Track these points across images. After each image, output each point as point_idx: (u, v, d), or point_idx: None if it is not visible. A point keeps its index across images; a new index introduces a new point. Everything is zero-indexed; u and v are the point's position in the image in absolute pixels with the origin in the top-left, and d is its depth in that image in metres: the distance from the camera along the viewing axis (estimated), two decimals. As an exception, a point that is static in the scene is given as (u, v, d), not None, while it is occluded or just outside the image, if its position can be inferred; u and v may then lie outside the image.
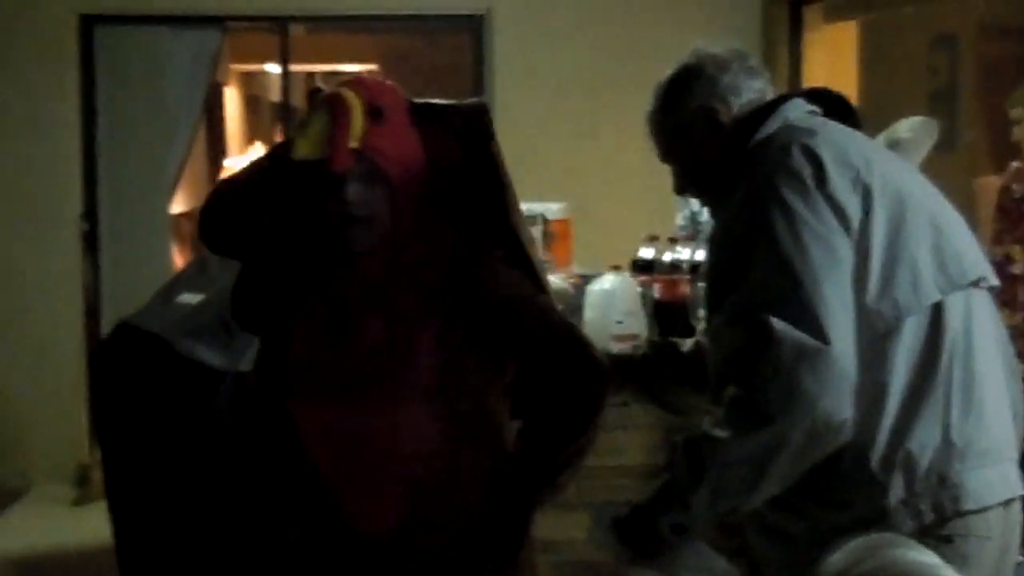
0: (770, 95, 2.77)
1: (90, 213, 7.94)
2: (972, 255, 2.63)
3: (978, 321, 2.57)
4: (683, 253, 4.63)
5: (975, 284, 2.59)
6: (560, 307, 3.22)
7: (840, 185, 2.49)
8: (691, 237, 4.76)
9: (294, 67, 8.83)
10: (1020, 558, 2.69)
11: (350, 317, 2.83)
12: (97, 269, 7.97)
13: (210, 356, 4.10)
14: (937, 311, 2.51)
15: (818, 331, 2.36)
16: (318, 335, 2.84)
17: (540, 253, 4.89)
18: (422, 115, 2.92)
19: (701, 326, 4.21)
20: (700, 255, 4.35)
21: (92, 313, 7.89)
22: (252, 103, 12.41)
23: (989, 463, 2.51)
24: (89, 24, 7.90)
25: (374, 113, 2.79)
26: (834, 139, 2.60)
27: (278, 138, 9.52)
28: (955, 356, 2.51)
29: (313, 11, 8.23)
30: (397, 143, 2.82)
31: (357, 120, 2.76)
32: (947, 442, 2.48)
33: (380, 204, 2.80)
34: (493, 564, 2.93)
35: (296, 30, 8.44)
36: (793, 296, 2.39)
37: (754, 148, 2.65)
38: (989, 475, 2.51)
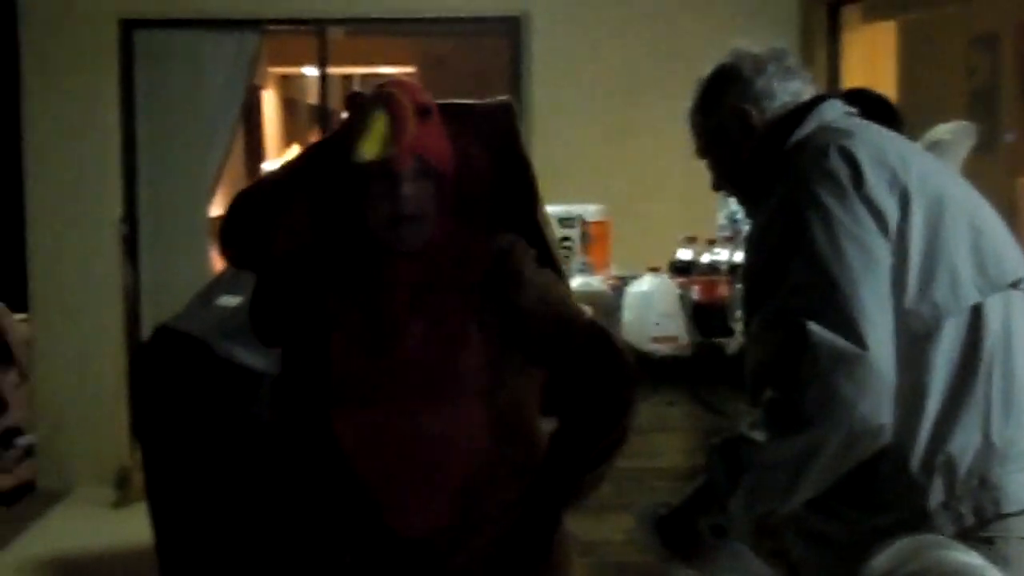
0: (807, 95, 2.75)
1: (130, 216, 7.98)
2: (1012, 256, 2.61)
3: (1018, 322, 2.55)
4: (721, 254, 4.62)
5: (1015, 285, 2.57)
6: (589, 310, 3.23)
7: (877, 187, 2.47)
8: (731, 238, 4.76)
9: (332, 70, 8.86)
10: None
11: (391, 321, 2.83)
12: (137, 272, 8.00)
13: (249, 358, 4.12)
14: (976, 313, 2.49)
15: (855, 336, 2.35)
16: (358, 342, 2.84)
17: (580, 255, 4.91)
18: (449, 115, 2.94)
19: (740, 327, 4.21)
20: (739, 256, 4.34)
21: (132, 316, 7.93)
22: (290, 106, 12.46)
23: (1030, 465, 2.50)
24: (129, 28, 7.94)
25: (423, 112, 2.82)
26: (871, 140, 2.58)
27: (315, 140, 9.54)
28: (995, 358, 2.49)
29: (351, 14, 8.25)
30: (438, 142, 2.85)
31: (411, 120, 2.79)
32: (988, 444, 2.46)
33: (428, 202, 2.82)
34: (528, 564, 2.93)
35: (334, 33, 8.46)
36: (830, 301, 2.38)
37: (790, 150, 2.64)
38: (1030, 477, 2.50)
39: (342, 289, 2.88)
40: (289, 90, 12.37)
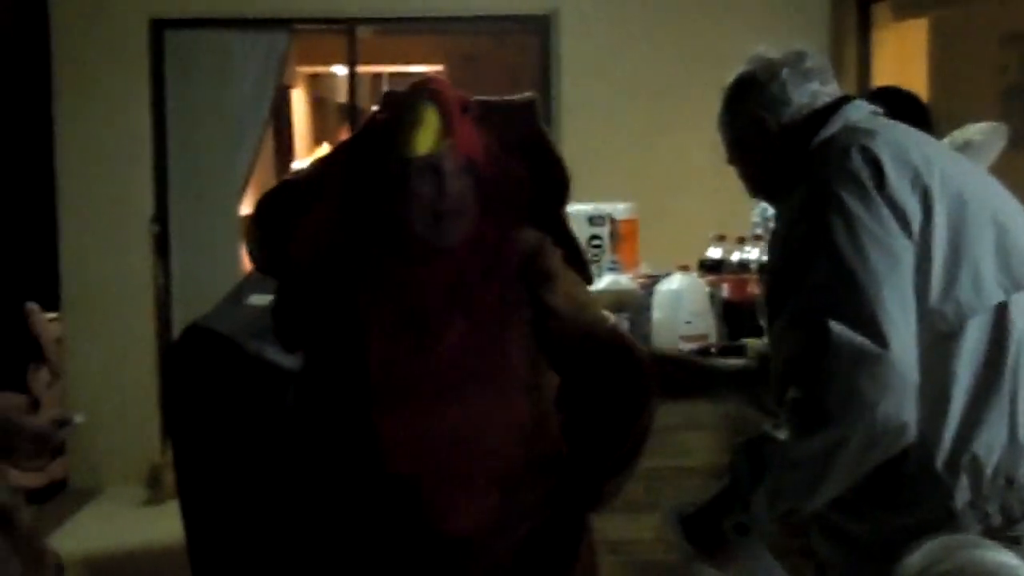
0: (826, 96, 2.75)
1: (161, 216, 8.01)
2: None
3: (1045, 321, 2.54)
4: (751, 253, 4.62)
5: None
6: (612, 318, 3.25)
7: (899, 186, 2.48)
8: (761, 236, 4.75)
9: (361, 69, 8.88)
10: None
11: (430, 318, 2.83)
12: (168, 271, 8.03)
13: (280, 357, 4.12)
14: (1001, 311, 2.49)
15: (877, 335, 2.35)
16: (397, 341, 2.84)
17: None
18: (477, 112, 2.95)
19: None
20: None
21: (163, 315, 7.96)
22: (319, 105, 12.48)
23: (1058, 464, 2.49)
24: (159, 28, 7.98)
25: (464, 108, 2.84)
26: (894, 139, 2.58)
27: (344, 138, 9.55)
28: (1020, 356, 2.49)
29: (380, 13, 8.26)
30: (475, 138, 2.86)
31: (459, 114, 2.81)
32: (1014, 443, 2.46)
33: (468, 198, 2.83)
34: (556, 565, 2.94)
35: (363, 32, 8.47)
36: (852, 300, 2.39)
37: (814, 150, 2.65)
38: (1058, 476, 2.49)
39: (373, 288, 2.88)
40: (318, 89, 12.39)
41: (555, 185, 3.02)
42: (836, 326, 2.35)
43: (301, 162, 10.49)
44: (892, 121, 2.73)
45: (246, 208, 8.30)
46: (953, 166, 2.62)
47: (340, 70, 9.98)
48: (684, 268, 4.59)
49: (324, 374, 2.96)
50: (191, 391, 4.37)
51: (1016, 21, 7.26)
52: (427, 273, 2.84)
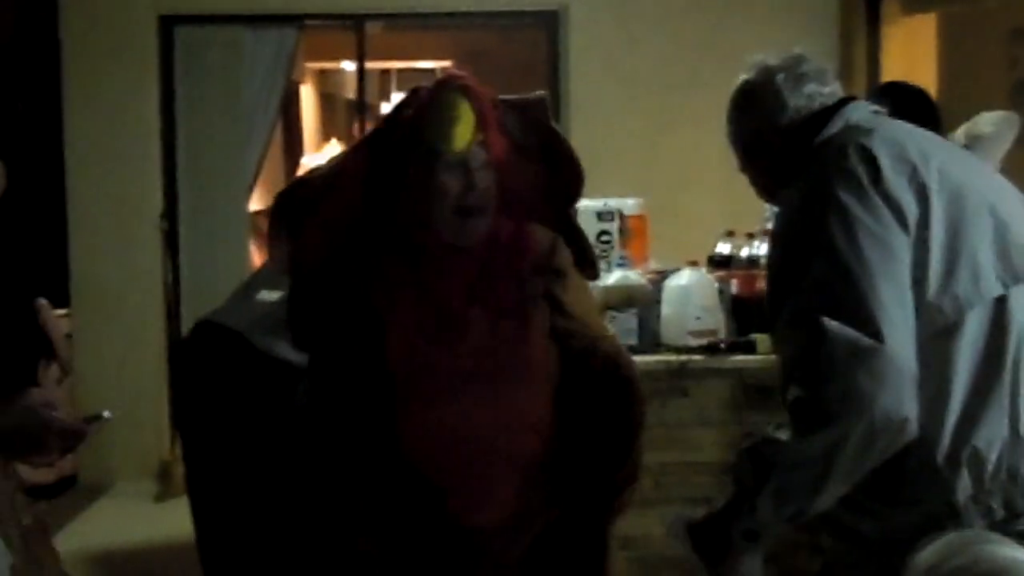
0: (823, 98, 2.76)
1: (170, 212, 8.01)
2: None
3: (1044, 315, 2.54)
4: (760, 248, 4.61)
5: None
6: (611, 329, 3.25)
7: (896, 183, 2.49)
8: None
9: (370, 65, 8.87)
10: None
11: (451, 313, 2.83)
12: (177, 267, 8.04)
13: (289, 352, 4.12)
14: (1001, 305, 2.50)
15: (872, 330, 2.35)
16: (419, 336, 2.84)
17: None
18: (502, 109, 2.95)
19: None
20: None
21: (172, 311, 7.97)
22: (328, 101, 12.49)
23: (1060, 457, 2.49)
24: (168, 25, 7.98)
25: (494, 105, 2.85)
26: (891, 136, 2.59)
27: (355, 135, 9.56)
28: (1020, 350, 2.50)
29: (389, 9, 8.26)
30: (499, 136, 2.87)
31: (490, 111, 2.81)
32: (1016, 437, 2.47)
33: (492, 195, 2.84)
34: (571, 560, 2.94)
35: (372, 28, 8.47)
36: (848, 296, 2.39)
37: (814, 150, 2.66)
38: (1060, 470, 2.49)
39: (392, 284, 2.87)
40: (327, 85, 12.40)
41: (568, 183, 3.02)
42: (831, 323, 2.36)
43: (310, 158, 10.49)
44: (891, 119, 2.74)
45: (255, 204, 8.31)
46: (952, 161, 2.63)
47: (349, 66, 10.00)
48: (693, 263, 4.59)
49: (341, 370, 2.96)
50: (201, 387, 4.38)
51: (1026, 16, 7.26)
52: (445, 268, 2.85)
